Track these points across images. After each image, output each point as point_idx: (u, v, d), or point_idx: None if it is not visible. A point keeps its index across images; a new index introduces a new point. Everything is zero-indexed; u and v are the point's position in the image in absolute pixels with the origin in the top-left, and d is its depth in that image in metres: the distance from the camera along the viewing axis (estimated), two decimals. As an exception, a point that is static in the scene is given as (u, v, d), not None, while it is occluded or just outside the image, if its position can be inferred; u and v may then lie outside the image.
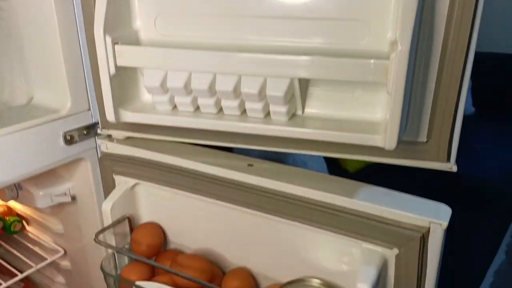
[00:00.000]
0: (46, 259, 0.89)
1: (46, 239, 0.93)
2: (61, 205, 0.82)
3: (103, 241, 0.65)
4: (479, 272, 1.91)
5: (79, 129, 0.71)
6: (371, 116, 0.57)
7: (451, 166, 0.58)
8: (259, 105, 0.56)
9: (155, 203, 0.72)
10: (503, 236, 2.16)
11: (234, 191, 0.62)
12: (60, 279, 0.96)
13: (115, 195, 0.68)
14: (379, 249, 0.54)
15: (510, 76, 2.14)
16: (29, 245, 0.95)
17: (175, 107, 0.61)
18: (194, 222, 0.70)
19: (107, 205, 0.67)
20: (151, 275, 0.68)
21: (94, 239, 0.64)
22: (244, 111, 0.59)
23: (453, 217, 0.51)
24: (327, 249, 0.59)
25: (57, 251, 0.90)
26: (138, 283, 0.64)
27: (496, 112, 2.16)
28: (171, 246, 0.74)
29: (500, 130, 2.06)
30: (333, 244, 0.58)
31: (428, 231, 0.51)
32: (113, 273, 0.68)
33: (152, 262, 0.63)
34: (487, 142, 1.94)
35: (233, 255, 0.68)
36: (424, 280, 0.53)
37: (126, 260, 0.71)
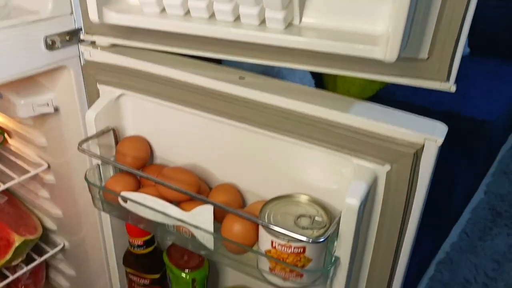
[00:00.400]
0: (29, 172, 0.87)
1: (29, 152, 0.91)
2: (43, 117, 0.80)
3: (87, 150, 0.64)
4: (459, 208, 1.97)
5: (61, 34, 0.67)
6: (372, 28, 0.54)
7: (450, 86, 0.55)
8: (254, 10, 0.52)
9: (142, 116, 0.69)
10: (484, 176, 2.21)
11: (224, 104, 0.59)
12: (44, 193, 0.95)
13: (99, 104, 0.65)
14: (370, 165, 0.53)
15: (505, 18, 2.10)
16: (12, 158, 0.93)
17: (163, 10, 0.57)
18: (182, 137, 0.68)
19: (91, 114, 0.65)
20: (137, 188, 0.67)
21: (78, 148, 0.62)
22: (238, 18, 0.55)
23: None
24: (317, 166, 0.58)
25: (40, 165, 0.88)
26: (123, 193, 0.63)
27: (490, 54, 2.13)
28: (157, 161, 0.72)
29: (494, 71, 2.05)
30: (323, 161, 0.57)
31: (422, 147, 0.50)
32: (98, 183, 0.67)
33: (138, 172, 0.62)
34: (480, 82, 1.93)
35: (221, 171, 0.67)
36: (413, 199, 0.53)
37: (111, 171, 0.70)
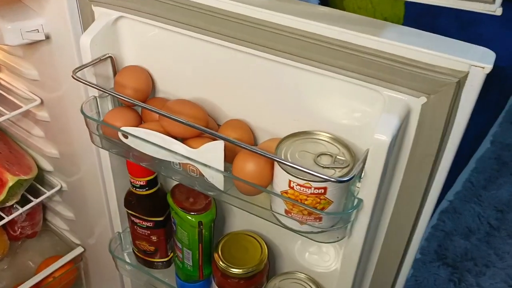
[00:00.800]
0: (20, 107, 0.81)
1: (20, 87, 0.85)
2: (34, 46, 0.72)
3: (83, 78, 0.57)
4: (465, 158, 1.93)
5: None
6: None
7: (495, 9, 0.48)
8: None
9: (142, 43, 0.62)
10: (491, 125, 2.16)
11: (235, 27, 0.52)
12: (38, 131, 0.89)
13: (95, 28, 0.58)
14: (403, 97, 0.47)
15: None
16: (2, 93, 0.86)
17: None
18: (186, 67, 0.61)
19: (85, 39, 0.58)
20: (138, 123, 0.61)
21: (72, 76, 0.56)
22: None
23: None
24: (340, 99, 0.52)
25: (32, 100, 0.82)
26: (124, 128, 0.57)
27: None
28: (160, 95, 0.66)
29: (509, 16, 1.95)
30: (347, 93, 0.51)
31: (466, 76, 0.43)
32: (96, 117, 0.61)
33: (140, 103, 0.55)
34: (496, 27, 1.84)
35: (230, 107, 0.61)
36: (448, 138, 0.47)
37: (109, 105, 0.64)
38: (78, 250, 1.04)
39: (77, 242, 1.07)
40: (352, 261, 0.57)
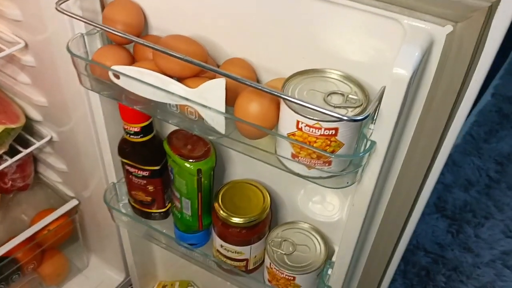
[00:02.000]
0: (3, 50, 0.75)
1: (2, 29, 0.78)
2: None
3: (68, 11, 0.51)
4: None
5: None
6: None
7: None
8: None
9: (133, -26, 0.56)
10: (493, 78, 2.11)
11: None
12: (24, 78, 0.84)
13: (79, -46, 0.52)
14: (426, 26, 0.42)
15: None
16: (-17, 35, 0.80)
17: None
18: (185, 0, 0.55)
19: (69, -34, 0.52)
20: (130, 62, 0.56)
21: (56, 8, 0.50)
22: None
23: None
24: (354, 32, 0.47)
25: (16, 43, 0.76)
26: (115, 67, 0.52)
27: None
28: (153, 32, 0.60)
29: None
30: (363, 24, 0.46)
31: (499, 1, 0.38)
32: (84, 57, 0.56)
33: (132, 37, 0.50)
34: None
35: (230, 44, 0.56)
36: (474, 70, 0.43)
37: (98, 43, 0.58)
38: (72, 203, 1.02)
39: (71, 194, 1.04)
40: (361, 209, 0.54)
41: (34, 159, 1.02)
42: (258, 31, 0.53)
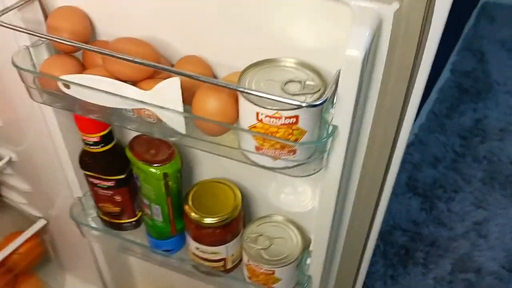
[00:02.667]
0: None
1: None
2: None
3: (9, 24, 0.49)
4: (427, 89, 1.93)
5: None
6: None
7: None
8: None
9: (74, -21, 0.54)
10: (449, 54, 2.16)
11: None
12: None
13: (13, -37, 0.50)
14: (374, 5, 0.42)
15: None
16: None
17: None
18: (131, 2, 0.54)
19: (4, -24, 0.49)
20: (80, 71, 0.54)
21: (-6, 21, 0.48)
22: None
23: None
24: (306, 19, 0.47)
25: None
26: (64, 77, 0.50)
27: None
28: (101, 38, 0.59)
29: None
30: (314, 10, 0.46)
31: (441, -27, 0.39)
32: (31, 69, 0.54)
33: (79, 44, 0.48)
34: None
35: (183, 42, 0.55)
36: (425, 43, 0.43)
37: (45, 54, 0.56)
38: (40, 223, 0.98)
39: (39, 214, 1.00)
40: (330, 194, 0.54)
41: (-6, 182, 0.98)
42: (209, 26, 0.52)
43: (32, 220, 0.99)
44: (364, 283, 0.75)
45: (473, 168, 1.64)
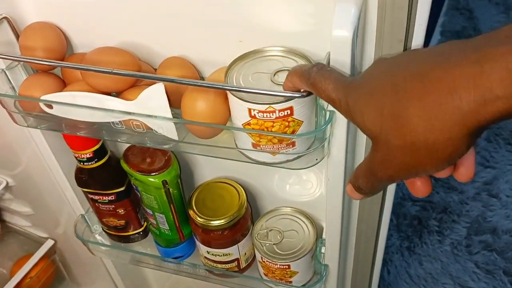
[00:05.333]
0: None
1: None
2: None
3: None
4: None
5: None
6: None
7: None
8: None
9: (41, -6, 0.52)
10: (438, 16, 2.12)
11: None
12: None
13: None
14: (356, -21, 0.39)
15: None
16: None
17: None
18: (101, 10, 0.51)
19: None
20: (61, 88, 0.52)
21: (-39, 49, 0.46)
22: None
23: None
24: (283, 3, 0.44)
25: None
26: (45, 97, 0.48)
27: None
28: (79, 51, 0.56)
29: None
30: (292, -7, 0.43)
31: None
32: (10, 93, 0.51)
33: (54, 62, 0.46)
34: None
35: (163, 44, 0.52)
36: (416, 12, 0.41)
37: (22, 75, 0.54)
38: (48, 244, 0.97)
39: (45, 235, 0.98)
40: (337, 181, 0.52)
41: (-4, 209, 0.97)
42: (186, 25, 0.49)
43: (39, 242, 0.97)
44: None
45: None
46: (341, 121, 0.45)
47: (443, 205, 1.39)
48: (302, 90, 0.41)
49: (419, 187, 0.34)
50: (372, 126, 0.29)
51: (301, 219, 0.65)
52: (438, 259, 1.29)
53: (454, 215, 1.37)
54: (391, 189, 0.61)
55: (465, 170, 0.33)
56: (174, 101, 0.47)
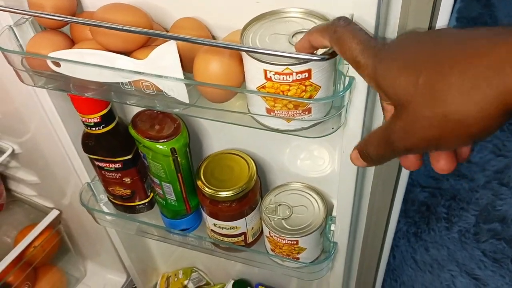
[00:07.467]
0: None
1: None
2: None
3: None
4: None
5: None
6: None
7: None
8: None
9: None
10: (455, 2, 2.07)
11: None
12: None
13: None
14: None
15: None
16: None
17: None
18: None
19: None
20: (69, 46, 0.50)
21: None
22: None
23: None
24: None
25: None
26: (52, 54, 0.46)
27: None
28: (88, 9, 0.54)
29: None
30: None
31: None
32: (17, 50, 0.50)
33: (64, 16, 0.44)
34: None
35: (176, 6, 0.50)
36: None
37: (30, 33, 0.52)
38: (53, 214, 0.96)
39: (50, 205, 0.98)
40: (352, 154, 0.50)
41: (2, 177, 0.96)
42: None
43: (44, 212, 0.97)
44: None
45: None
46: (361, 88, 0.43)
47: (453, 192, 1.37)
48: (321, 53, 0.39)
49: (443, 163, 0.32)
50: (403, 93, 0.28)
51: (311, 195, 0.63)
52: (445, 246, 1.27)
53: (463, 203, 1.35)
54: (404, 176, 0.59)
55: (445, 163, 0.31)
56: (186, 65, 0.45)
